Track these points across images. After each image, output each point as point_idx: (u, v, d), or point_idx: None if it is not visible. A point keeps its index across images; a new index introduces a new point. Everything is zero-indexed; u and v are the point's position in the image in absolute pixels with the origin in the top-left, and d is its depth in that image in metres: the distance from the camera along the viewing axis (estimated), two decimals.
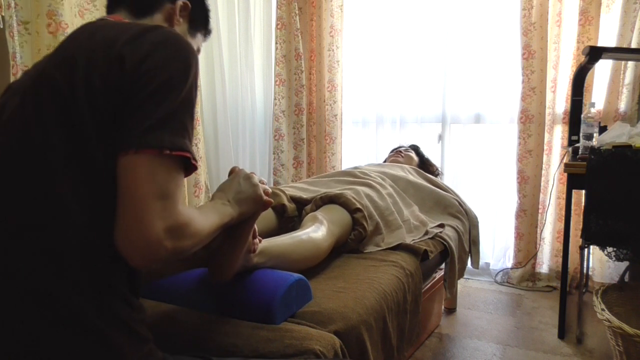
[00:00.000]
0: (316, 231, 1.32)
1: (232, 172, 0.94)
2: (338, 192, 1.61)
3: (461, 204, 2.05)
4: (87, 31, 0.71)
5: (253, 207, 0.90)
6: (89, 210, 0.64)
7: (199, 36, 0.95)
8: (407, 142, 2.61)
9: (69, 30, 1.64)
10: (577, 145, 2.01)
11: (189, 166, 0.67)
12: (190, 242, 0.66)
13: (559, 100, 2.49)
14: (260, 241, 1.07)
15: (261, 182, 0.94)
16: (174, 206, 0.63)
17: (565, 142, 2.40)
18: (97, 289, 0.64)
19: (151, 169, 0.62)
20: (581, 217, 2.11)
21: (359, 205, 1.55)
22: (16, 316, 0.61)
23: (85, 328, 0.62)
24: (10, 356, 0.60)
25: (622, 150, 1.71)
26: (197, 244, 0.69)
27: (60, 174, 0.63)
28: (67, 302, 0.62)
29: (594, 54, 2.00)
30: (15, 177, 0.65)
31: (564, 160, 2.13)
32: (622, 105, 2.27)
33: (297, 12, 2.89)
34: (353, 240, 1.52)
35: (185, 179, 2.53)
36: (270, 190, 0.96)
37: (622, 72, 2.27)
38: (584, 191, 1.90)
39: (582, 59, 2.14)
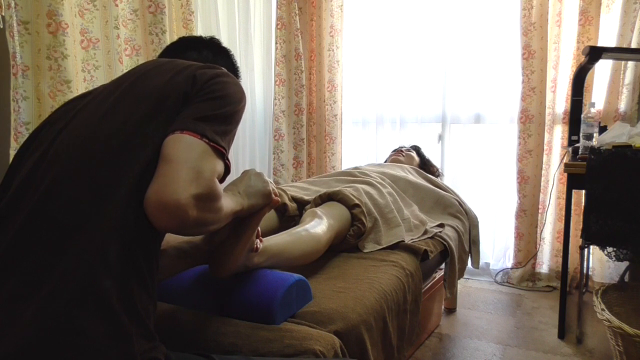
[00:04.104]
0: (315, 226, 1.33)
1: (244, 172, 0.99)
2: (337, 189, 1.61)
3: (461, 203, 2.05)
4: (162, 61, 0.86)
5: (262, 201, 0.94)
6: (138, 194, 0.67)
7: None
8: (407, 142, 2.61)
9: (69, 31, 1.64)
10: (577, 145, 2.01)
11: (224, 166, 0.74)
12: (212, 216, 0.71)
13: (559, 100, 2.49)
14: (261, 241, 1.07)
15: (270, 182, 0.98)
16: (208, 179, 0.68)
17: (565, 142, 2.40)
18: (125, 272, 0.66)
19: (191, 144, 0.69)
20: (581, 217, 2.11)
21: (357, 202, 1.55)
22: (39, 290, 0.62)
23: (103, 309, 0.63)
24: (23, 331, 0.60)
25: (622, 150, 1.70)
26: (217, 222, 0.74)
27: (135, 162, 0.69)
28: (93, 280, 0.63)
29: (594, 54, 2.00)
30: (94, 164, 0.69)
31: (564, 160, 2.13)
32: (622, 105, 2.27)
33: (297, 12, 2.89)
34: (352, 236, 1.52)
35: None
36: (278, 192, 1.00)
37: (622, 72, 2.27)
38: (584, 191, 1.90)
39: (582, 59, 2.14)
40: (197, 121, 0.72)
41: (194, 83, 0.76)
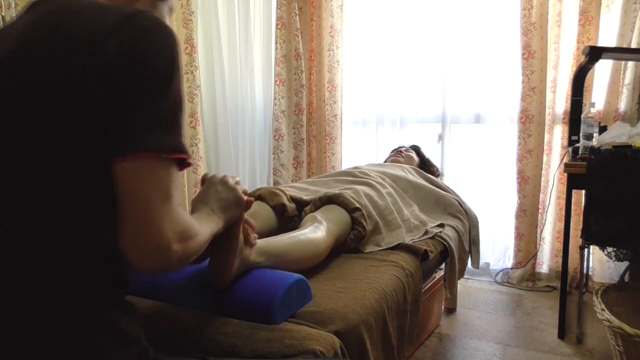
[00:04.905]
0: (315, 231, 1.32)
1: (204, 180, 0.92)
2: (337, 192, 1.61)
3: (461, 203, 2.05)
4: (51, 13, 0.65)
5: (237, 211, 0.91)
6: (77, 215, 0.61)
7: (165, 9, 0.83)
8: (407, 142, 2.61)
9: None
10: (577, 145, 2.01)
11: (182, 163, 0.66)
12: (195, 245, 0.66)
13: (559, 100, 2.49)
14: (254, 229, 1.06)
15: (236, 183, 0.93)
16: (176, 208, 0.62)
17: (565, 142, 2.40)
18: (83, 293, 0.62)
19: (151, 172, 0.60)
20: (581, 217, 2.11)
21: (357, 205, 1.55)
22: (8, 326, 0.59)
23: (71, 334, 0.60)
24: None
25: (622, 150, 1.70)
26: (200, 249, 0.69)
27: (52, 178, 0.60)
28: (53, 309, 0.60)
29: (594, 54, 2.00)
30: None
31: (564, 160, 2.13)
32: (622, 105, 2.27)
33: (297, 12, 2.89)
34: (352, 240, 1.51)
35: (185, 179, 2.47)
36: (247, 189, 0.96)
37: (622, 72, 2.27)
38: (584, 191, 1.90)
39: (582, 59, 2.14)
40: (143, 134, 0.60)
41: (107, 72, 0.59)
